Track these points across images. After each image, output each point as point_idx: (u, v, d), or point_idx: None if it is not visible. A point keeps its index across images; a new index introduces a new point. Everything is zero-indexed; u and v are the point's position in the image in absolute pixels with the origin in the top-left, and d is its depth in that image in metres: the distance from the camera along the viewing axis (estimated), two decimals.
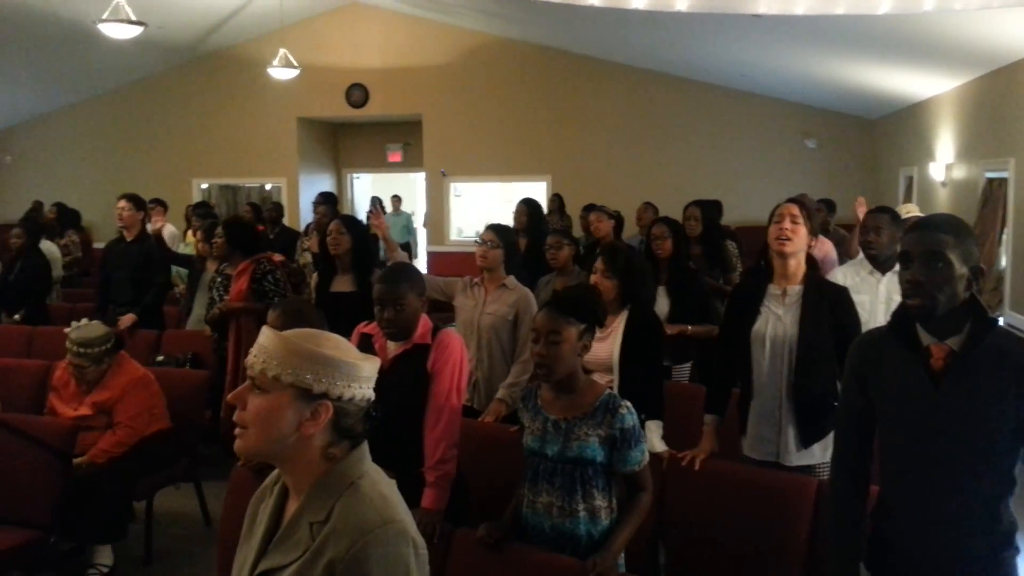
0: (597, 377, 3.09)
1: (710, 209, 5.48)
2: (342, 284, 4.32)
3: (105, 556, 3.77)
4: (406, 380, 2.63)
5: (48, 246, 7.20)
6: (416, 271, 2.92)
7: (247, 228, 5.07)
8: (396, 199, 12.34)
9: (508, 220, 5.92)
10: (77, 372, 3.85)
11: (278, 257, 5.08)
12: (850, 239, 5.81)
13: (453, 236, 11.47)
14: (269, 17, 10.33)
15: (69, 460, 3.50)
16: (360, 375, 1.38)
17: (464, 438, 2.77)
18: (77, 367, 3.83)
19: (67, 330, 3.89)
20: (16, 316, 6.14)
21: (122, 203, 5.57)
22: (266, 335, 1.38)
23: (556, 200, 9.26)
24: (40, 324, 5.97)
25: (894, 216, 3.58)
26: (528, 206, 5.84)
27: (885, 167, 9.81)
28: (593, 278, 3.20)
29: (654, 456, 2.76)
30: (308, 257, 6.53)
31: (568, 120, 10.81)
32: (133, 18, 6.82)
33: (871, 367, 1.98)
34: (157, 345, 5.39)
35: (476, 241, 3.85)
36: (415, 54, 10.98)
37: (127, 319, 5.32)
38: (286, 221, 11.16)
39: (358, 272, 4.27)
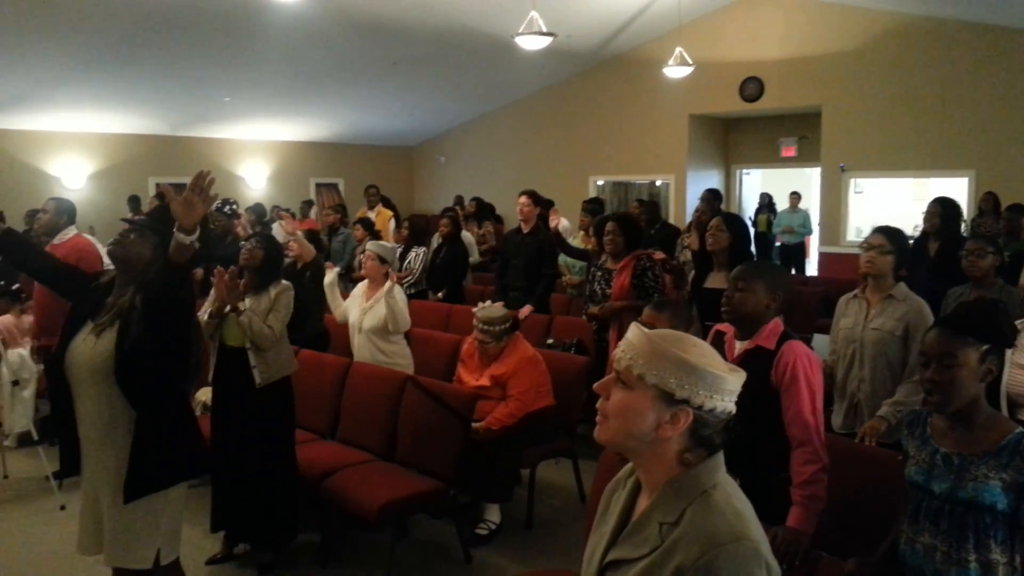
0: None
1: None
2: (717, 280, 4.28)
3: (494, 514, 4.23)
4: (749, 385, 2.48)
5: (467, 235, 8.26)
6: (779, 271, 2.80)
7: (636, 223, 5.17)
8: (795, 196, 11.69)
9: (918, 220, 5.30)
10: (480, 347, 4.36)
11: (659, 255, 5.17)
12: None
13: (850, 236, 10.58)
14: (667, 18, 10.56)
15: (468, 424, 3.97)
16: (724, 388, 1.34)
17: (840, 460, 2.56)
18: (481, 342, 4.34)
19: (475, 309, 4.43)
20: (439, 294, 7.17)
21: (523, 199, 6.22)
22: (635, 333, 1.39)
23: (989, 199, 7.92)
24: (457, 302, 6.89)
25: None
26: (942, 206, 5.14)
27: None
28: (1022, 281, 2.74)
29: None
30: (688, 255, 6.55)
31: (999, 106, 9.23)
32: (545, 30, 7.47)
33: None
34: (548, 329, 5.87)
35: (861, 245, 3.50)
36: (817, 42, 10.33)
37: (525, 310, 5.89)
38: (672, 217, 11.41)
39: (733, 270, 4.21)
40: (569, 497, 4.71)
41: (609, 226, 4.95)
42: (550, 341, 5.59)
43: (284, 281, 3.88)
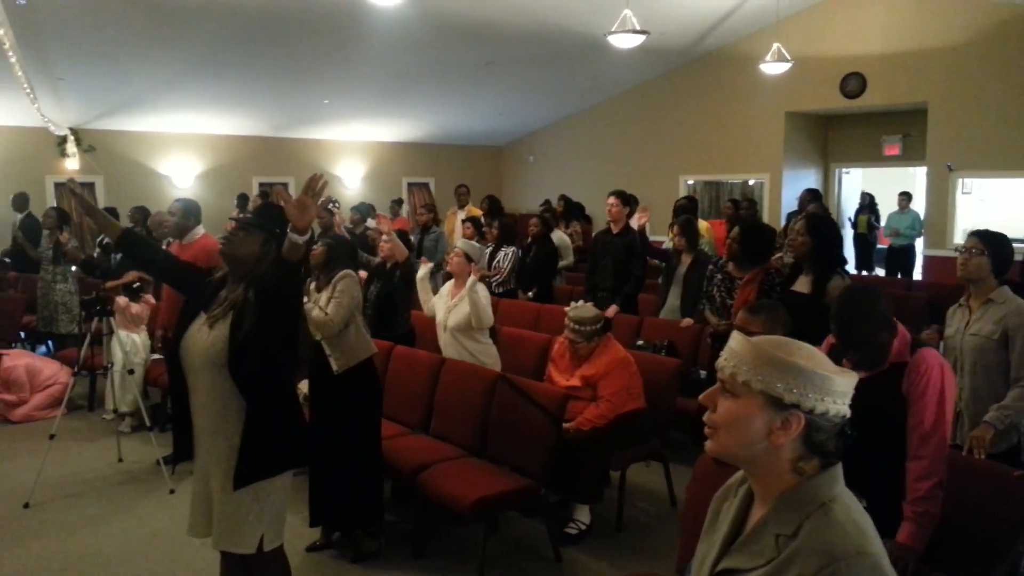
0: None
1: None
2: (801, 284, 4.15)
3: (584, 514, 4.23)
4: (878, 400, 2.40)
5: (558, 235, 8.27)
6: (869, 308, 2.46)
7: (765, 235, 4.87)
8: (904, 196, 11.13)
9: None
10: (571, 347, 4.36)
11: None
12: None
13: (957, 239, 10.05)
14: (764, 13, 10.30)
15: (559, 424, 3.98)
16: (834, 389, 1.30)
17: (952, 474, 2.44)
18: (572, 342, 4.34)
19: (567, 309, 4.43)
20: (529, 294, 7.20)
21: (611, 199, 6.18)
22: (737, 340, 1.37)
23: None
24: (547, 302, 6.91)
25: None
26: None
27: None
28: None
29: None
30: (789, 257, 6.35)
31: None
32: (637, 27, 7.38)
33: None
34: (638, 330, 5.82)
35: (957, 249, 3.38)
36: (924, 35, 9.86)
37: (611, 310, 5.85)
38: (767, 217, 11.10)
39: (817, 276, 4.05)
40: (659, 501, 4.67)
41: (734, 232, 4.77)
42: (640, 343, 5.54)
43: (346, 270, 3.93)
